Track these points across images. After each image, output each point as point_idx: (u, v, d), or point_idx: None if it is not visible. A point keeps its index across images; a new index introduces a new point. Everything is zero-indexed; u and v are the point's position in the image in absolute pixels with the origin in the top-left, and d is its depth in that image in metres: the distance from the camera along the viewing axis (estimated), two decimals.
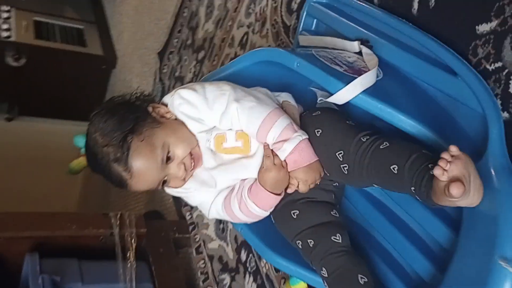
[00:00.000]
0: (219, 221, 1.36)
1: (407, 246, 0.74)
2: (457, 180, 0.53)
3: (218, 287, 1.30)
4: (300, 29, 0.99)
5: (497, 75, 0.65)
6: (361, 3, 0.85)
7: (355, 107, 0.77)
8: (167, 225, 1.47)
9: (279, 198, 0.77)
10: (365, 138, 0.70)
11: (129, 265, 1.28)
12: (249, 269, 1.19)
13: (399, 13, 0.79)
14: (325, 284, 0.75)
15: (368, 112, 0.74)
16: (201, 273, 1.38)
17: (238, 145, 0.77)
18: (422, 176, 0.60)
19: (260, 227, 0.90)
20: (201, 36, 1.55)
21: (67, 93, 2.45)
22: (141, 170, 0.75)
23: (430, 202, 0.60)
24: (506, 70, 0.64)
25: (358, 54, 0.83)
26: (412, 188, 0.62)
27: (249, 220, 0.82)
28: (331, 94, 0.75)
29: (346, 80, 0.73)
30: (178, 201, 1.58)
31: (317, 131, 0.75)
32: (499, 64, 0.65)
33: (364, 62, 0.80)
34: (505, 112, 0.64)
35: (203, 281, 1.36)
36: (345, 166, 0.71)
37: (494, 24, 0.66)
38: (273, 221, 0.85)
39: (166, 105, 0.81)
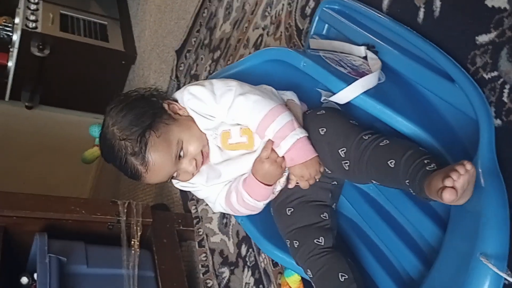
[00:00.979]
0: (222, 216, 1.39)
1: (397, 243, 0.77)
2: (452, 188, 0.55)
3: (218, 279, 1.33)
4: (312, 33, 1.03)
5: (493, 83, 0.68)
6: (370, 10, 0.88)
7: (356, 109, 0.80)
8: (173, 217, 1.50)
9: (269, 189, 0.80)
10: (366, 137, 0.73)
11: (133, 252, 1.32)
12: (248, 263, 1.22)
13: (405, 21, 0.82)
14: (313, 284, 0.79)
15: (368, 114, 0.77)
16: (202, 266, 1.41)
17: (243, 140, 0.81)
18: (417, 170, 0.63)
19: (260, 219, 0.93)
20: (218, 36, 1.59)
21: (86, 86, 2.52)
22: (157, 164, 0.78)
23: (423, 195, 0.63)
24: (502, 79, 0.67)
25: (364, 58, 0.86)
26: (407, 181, 0.65)
27: (247, 211, 0.85)
28: (334, 94, 0.79)
29: (349, 81, 0.76)
30: (184, 195, 1.62)
31: (322, 130, 0.78)
32: (495, 73, 0.67)
33: (369, 66, 0.83)
34: (498, 119, 0.66)
35: (203, 274, 1.40)
36: (346, 163, 0.74)
37: (492, 35, 0.68)
38: (272, 214, 0.89)
39: (176, 101, 0.85)
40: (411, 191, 0.66)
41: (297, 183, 0.81)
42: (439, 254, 0.64)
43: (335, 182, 0.86)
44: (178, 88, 1.79)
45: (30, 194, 1.34)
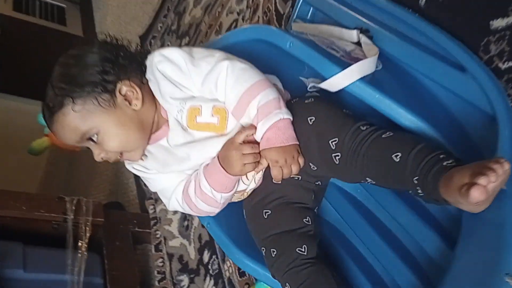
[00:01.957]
0: (183, 217, 1.26)
1: (389, 254, 0.67)
2: (484, 187, 0.46)
3: None
4: (294, 17, 0.92)
5: (510, 74, 0.59)
6: None
7: (348, 99, 0.70)
8: (127, 217, 1.38)
9: (230, 178, 0.68)
10: (364, 127, 0.62)
11: (79, 255, 1.19)
12: (210, 272, 1.10)
13: (405, 4, 0.73)
14: None
15: (362, 105, 0.67)
16: (158, 272, 1.28)
17: (213, 121, 0.69)
18: (431, 165, 0.53)
19: (229, 223, 0.82)
20: (187, 22, 1.47)
21: (38, 72, 2.31)
22: (59, 132, 0.70)
23: (434, 195, 0.53)
24: None
25: (357, 44, 0.76)
26: (415, 178, 0.55)
27: (205, 207, 0.72)
28: (324, 80, 0.68)
29: (343, 65, 0.66)
30: (142, 193, 1.48)
31: (310, 119, 0.67)
32: None
33: (363, 52, 0.73)
34: None
35: (159, 281, 1.26)
36: (337, 155, 0.63)
37: (511, 19, 0.60)
38: (245, 217, 0.77)
39: (140, 87, 0.71)
40: (418, 191, 0.55)
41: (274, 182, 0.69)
42: (450, 266, 0.53)
43: (319, 182, 0.75)
44: None
45: None
